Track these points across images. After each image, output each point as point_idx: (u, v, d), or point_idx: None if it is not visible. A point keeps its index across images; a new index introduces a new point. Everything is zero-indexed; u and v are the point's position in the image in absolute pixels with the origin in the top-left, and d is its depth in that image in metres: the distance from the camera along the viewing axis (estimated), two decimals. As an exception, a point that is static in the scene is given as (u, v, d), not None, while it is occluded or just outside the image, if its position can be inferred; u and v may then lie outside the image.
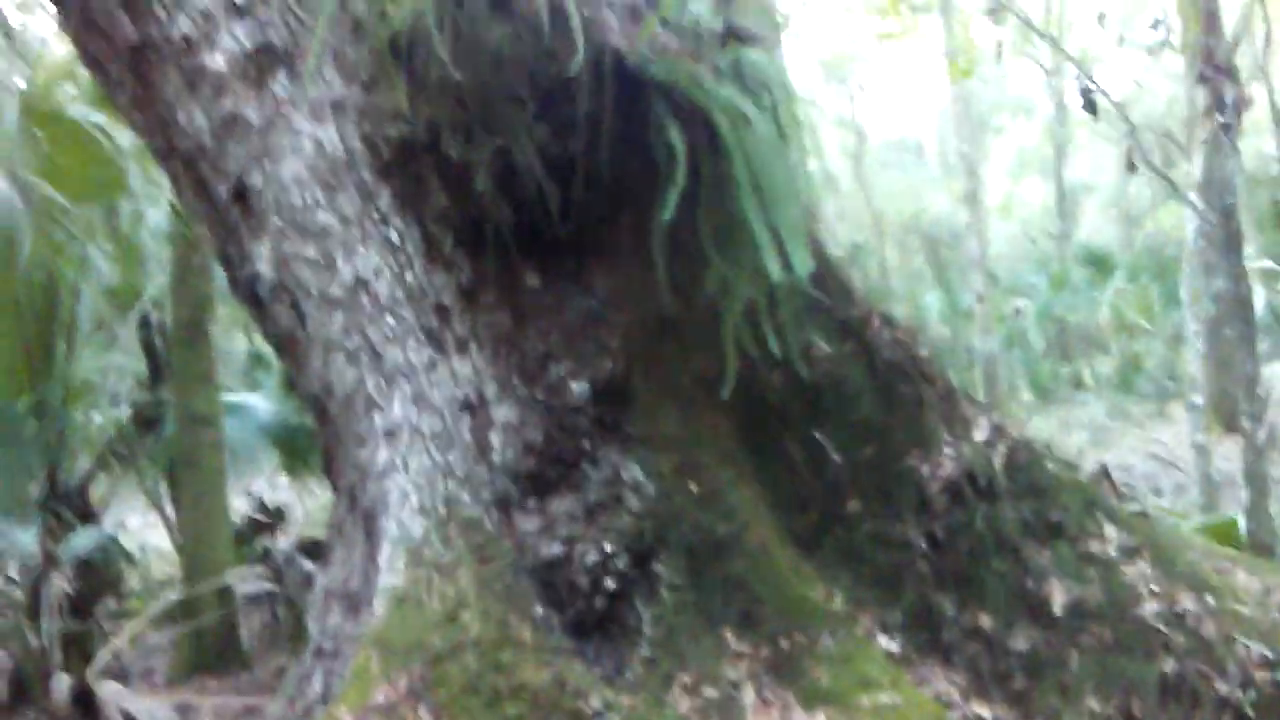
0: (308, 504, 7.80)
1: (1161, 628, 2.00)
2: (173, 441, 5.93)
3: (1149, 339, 12.88)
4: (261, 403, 7.11)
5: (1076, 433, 10.23)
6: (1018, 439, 2.24)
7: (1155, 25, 5.50)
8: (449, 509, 2.02)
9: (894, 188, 22.45)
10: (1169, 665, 1.97)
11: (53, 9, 2.44)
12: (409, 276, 2.07)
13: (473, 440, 2.07)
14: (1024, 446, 2.20)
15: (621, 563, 1.92)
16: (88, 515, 5.48)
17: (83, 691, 3.86)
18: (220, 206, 2.21)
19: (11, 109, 4.34)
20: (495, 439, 2.07)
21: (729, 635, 1.89)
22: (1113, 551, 2.11)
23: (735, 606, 1.92)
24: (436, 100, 1.84)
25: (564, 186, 1.88)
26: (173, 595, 5.49)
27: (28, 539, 4.62)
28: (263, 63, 2.04)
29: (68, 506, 5.31)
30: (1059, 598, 2.03)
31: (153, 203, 5.47)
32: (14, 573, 4.88)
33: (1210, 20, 3.75)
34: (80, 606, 4.73)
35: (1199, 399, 5.28)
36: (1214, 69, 3.65)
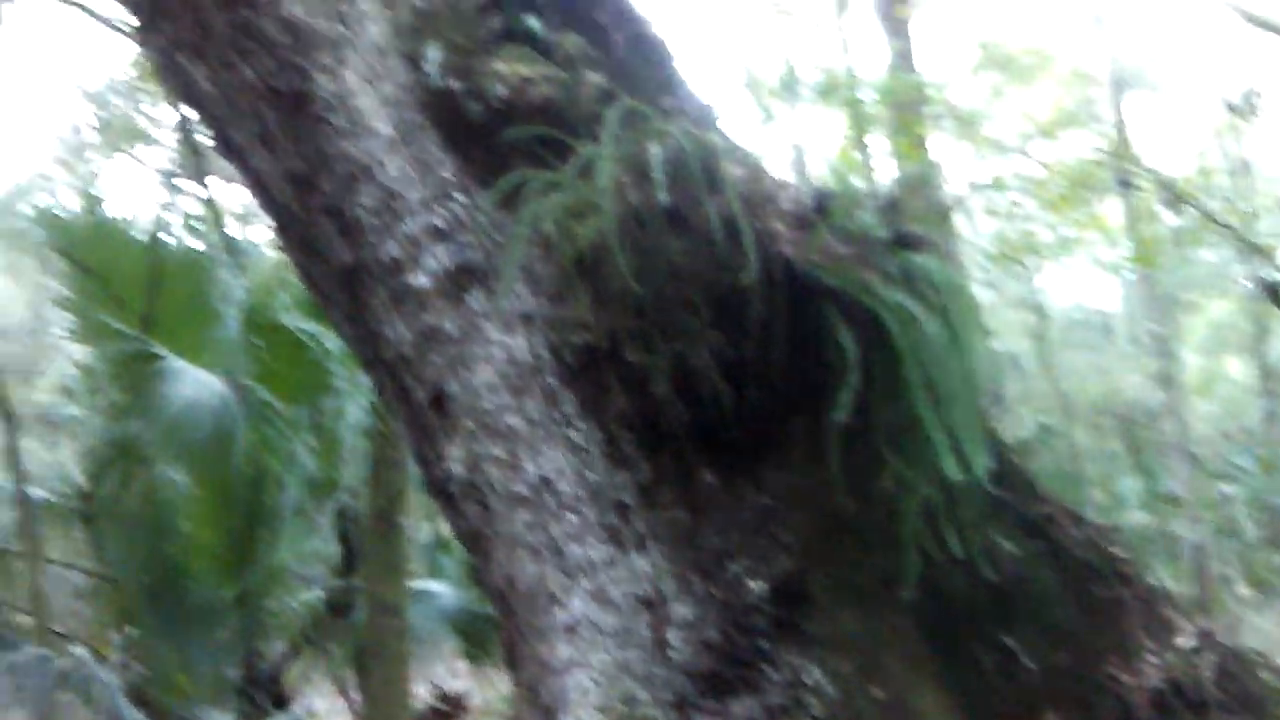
0: (486, 693, 7.83)
1: None
2: (361, 628, 6.11)
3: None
4: (445, 590, 7.29)
5: (1302, 631, 9.34)
6: (1228, 646, 2.09)
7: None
8: (628, 707, 2.02)
9: (1081, 367, 21.76)
10: None
11: (272, 229, 2.73)
12: (590, 475, 2.14)
13: (651, 637, 2.08)
14: (1234, 655, 2.05)
15: (802, 771, 1.86)
16: (281, 700, 5.67)
17: None
18: (418, 410, 2.36)
19: (234, 319, 4.79)
20: (673, 637, 2.07)
21: None
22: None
23: (924, 822, 1.82)
24: (617, 310, 1.95)
25: (739, 389, 1.93)
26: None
27: (225, 724, 4.80)
28: (461, 280, 2.21)
29: (263, 691, 5.51)
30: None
31: (352, 399, 5.84)
32: (212, 757, 5.05)
33: None
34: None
35: None
36: None
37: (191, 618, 4.96)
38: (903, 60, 8.73)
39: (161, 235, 5.88)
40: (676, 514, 2.10)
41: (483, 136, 2.21)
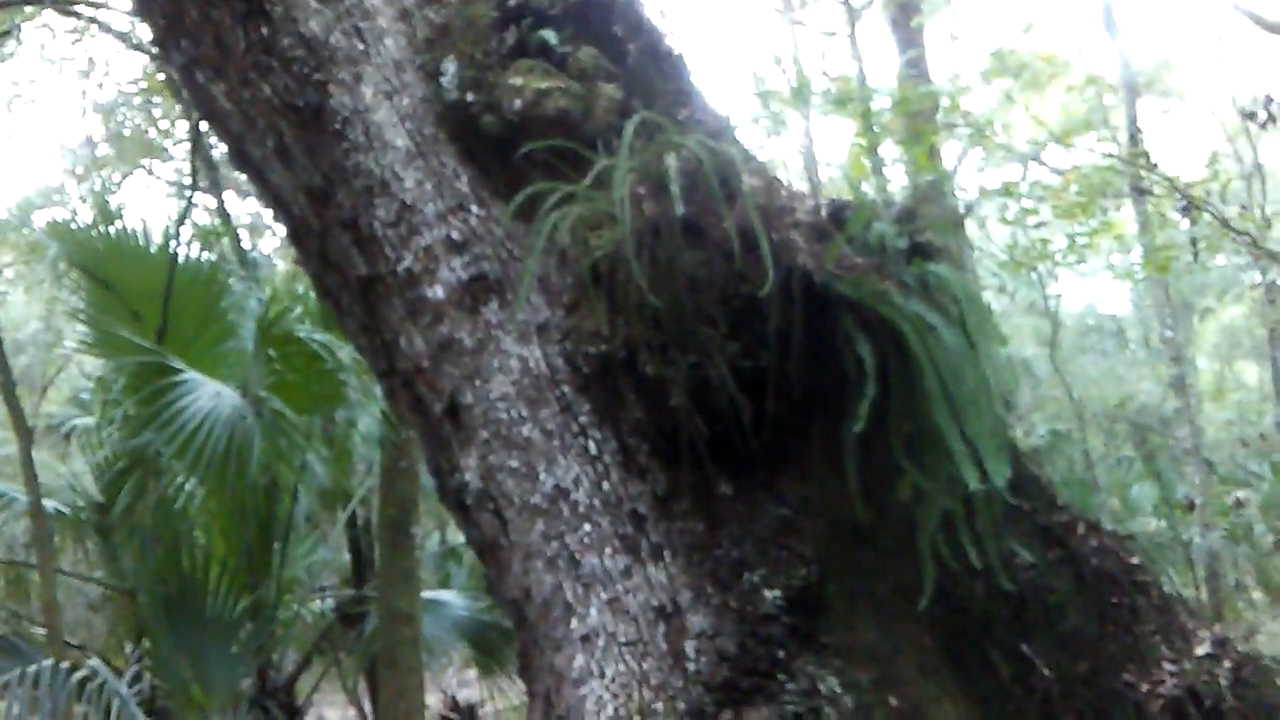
0: (498, 703, 7.82)
1: None
2: (374, 638, 6.12)
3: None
4: (456, 599, 7.30)
5: (1318, 637, 9.29)
6: (1244, 654, 2.09)
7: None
8: (644, 718, 2.02)
9: (1094, 373, 21.67)
10: None
11: (287, 240, 2.74)
12: (606, 485, 2.15)
13: (668, 648, 2.08)
14: (1251, 662, 2.05)
15: (821, 781, 1.86)
16: (294, 711, 5.67)
17: None
18: (433, 421, 2.37)
19: (249, 330, 4.81)
20: (689, 647, 2.07)
21: None
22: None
23: (943, 833, 1.82)
24: (634, 321, 1.96)
25: (756, 399, 1.94)
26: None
27: (240, 734, 4.80)
28: (477, 291, 2.22)
29: (275, 702, 5.52)
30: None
31: (364, 409, 5.86)
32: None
33: None
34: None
35: None
36: None
37: (205, 629, 4.97)
38: (914, 68, 8.72)
39: (175, 247, 5.91)
40: (693, 524, 2.11)
41: (499, 149, 2.22)
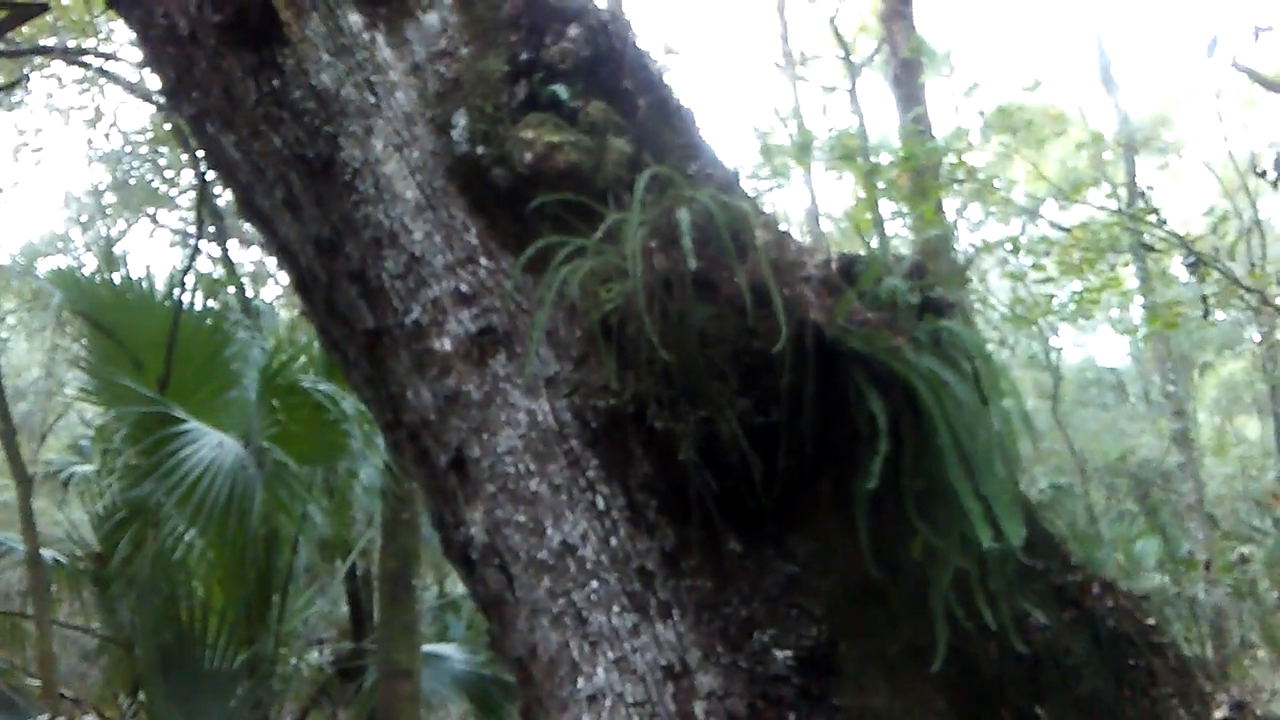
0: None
1: None
2: (373, 693, 6.04)
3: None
4: (456, 653, 7.22)
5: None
6: (1262, 717, 2.05)
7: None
8: (651, 780, 1.98)
9: (1095, 427, 21.62)
10: None
11: (293, 290, 2.73)
12: (614, 541, 2.12)
13: (676, 709, 2.04)
14: (1274, 727, 2.01)
15: None
16: (291, 767, 5.58)
17: None
18: (439, 474, 2.35)
19: (251, 380, 4.80)
20: (699, 708, 2.03)
21: None
22: None
23: None
24: (643, 375, 1.94)
25: (766, 455, 1.91)
26: None
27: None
28: (485, 344, 2.21)
29: (273, 757, 5.43)
30: None
31: (366, 460, 5.83)
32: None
33: None
34: None
35: None
36: None
37: (202, 682, 4.91)
38: (919, 123, 8.77)
39: (179, 296, 5.92)
40: (702, 582, 2.07)
41: (509, 202, 2.22)
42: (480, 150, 2.22)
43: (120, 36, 11.49)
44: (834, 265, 2.03)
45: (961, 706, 2.03)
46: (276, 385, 5.06)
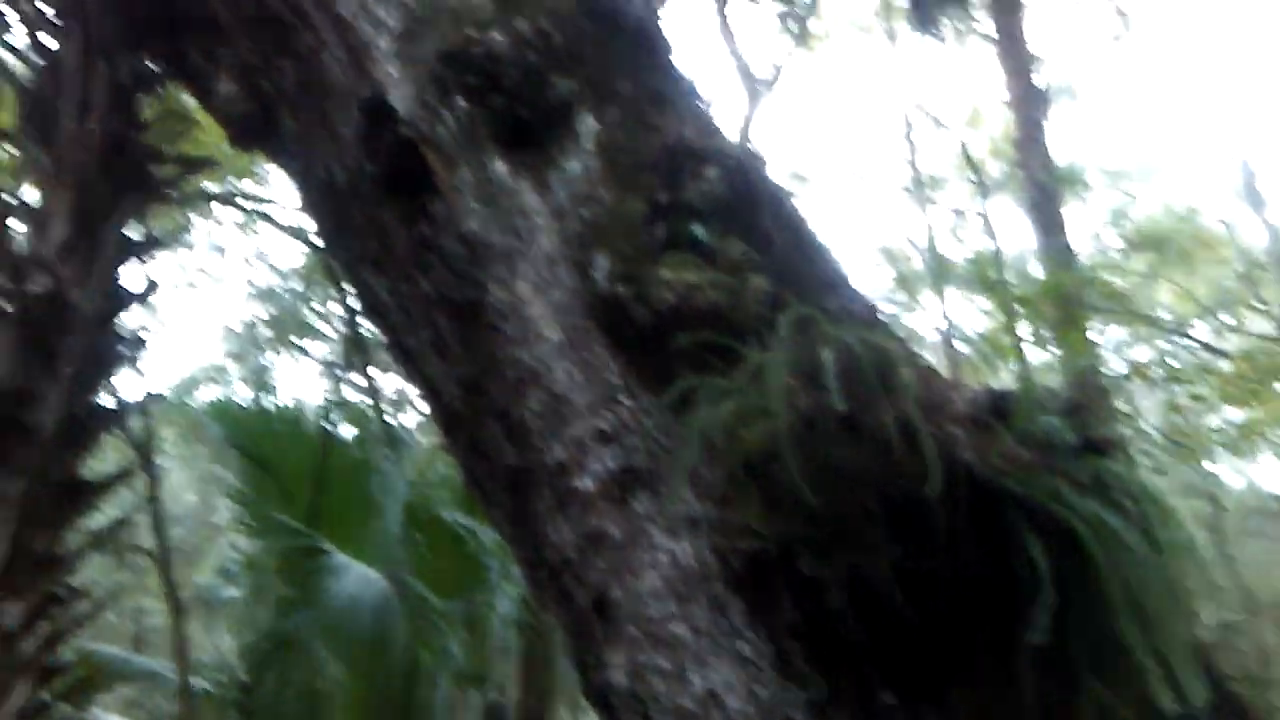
0: None
1: None
2: (508, 833, 5.92)
3: None
4: (590, 791, 7.02)
5: None
6: None
7: None
8: None
9: (1261, 558, 20.25)
10: None
11: (438, 427, 2.78)
12: (760, 691, 2.04)
13: None
14: None
15: None
16: None
17: None
18: (580, 614, 2.32)
19: (395, 512, 4.89)
20: None
21: None
22: None
23: None
24: (788, 517, 1.89)
25: (920, 602, 1.83)
26: None
27: None
28: (626, 484, 2.20)
29: None
30: None
31: (504, 593, 5.84)
32: None
33: None
34: None
35: None
36: None
37: (341, 815, 4.89)
38: (1060, 251, 8.56)
39: (326, 427, 6.12)
40: (852, 735, 1.97)
41: (649, 342, 2.23)
42: (621, 290, 2.25)
43: (276, 179, 12.25)
44: (983, 401, 1.96)
45: None
46: (419, 517, 5.15)
